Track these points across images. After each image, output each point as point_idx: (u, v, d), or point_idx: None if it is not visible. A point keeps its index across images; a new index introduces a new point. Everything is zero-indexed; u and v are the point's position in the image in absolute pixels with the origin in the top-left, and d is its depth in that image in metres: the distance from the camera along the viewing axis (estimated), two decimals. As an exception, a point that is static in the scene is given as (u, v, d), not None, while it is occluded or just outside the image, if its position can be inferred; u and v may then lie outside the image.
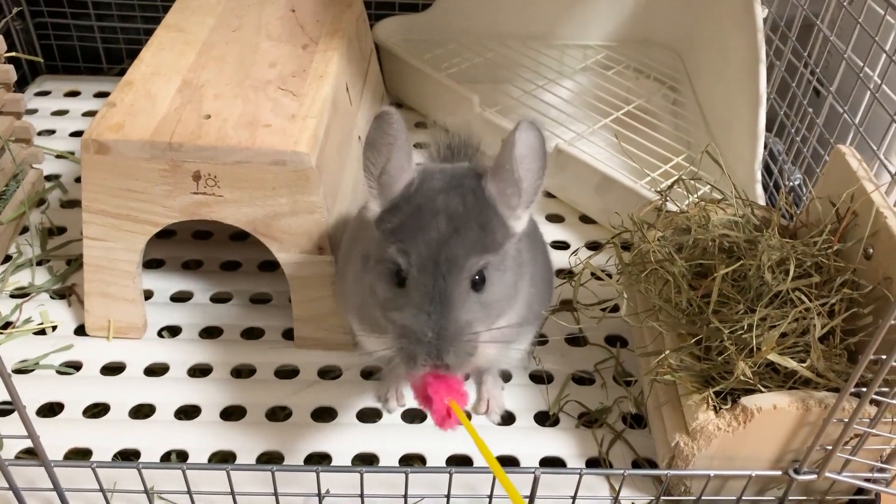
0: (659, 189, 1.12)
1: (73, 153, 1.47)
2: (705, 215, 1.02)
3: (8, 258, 1.25)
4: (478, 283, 0.76)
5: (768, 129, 1.35)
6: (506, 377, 1.11)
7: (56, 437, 1.00)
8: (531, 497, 0.85)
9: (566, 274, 1.25)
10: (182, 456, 1.00)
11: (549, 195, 1.41)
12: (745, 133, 1.33)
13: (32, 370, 1.09)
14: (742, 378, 0.87)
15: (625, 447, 1.02)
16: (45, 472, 0.84)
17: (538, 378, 1.11)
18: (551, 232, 1.35)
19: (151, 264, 1.25)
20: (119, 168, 1.01)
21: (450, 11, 1.68)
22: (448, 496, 0.89)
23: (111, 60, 1.74)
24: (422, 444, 1.02)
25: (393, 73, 1.61)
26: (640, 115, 1.48)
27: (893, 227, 0.89)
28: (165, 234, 1.30)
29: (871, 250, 0.92)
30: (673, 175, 1.13)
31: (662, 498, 0.94)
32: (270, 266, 1.24)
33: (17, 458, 0.98)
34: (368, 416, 1.06)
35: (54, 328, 1.15)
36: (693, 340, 0.92)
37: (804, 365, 0.86)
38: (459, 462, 1.01)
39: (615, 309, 1.09)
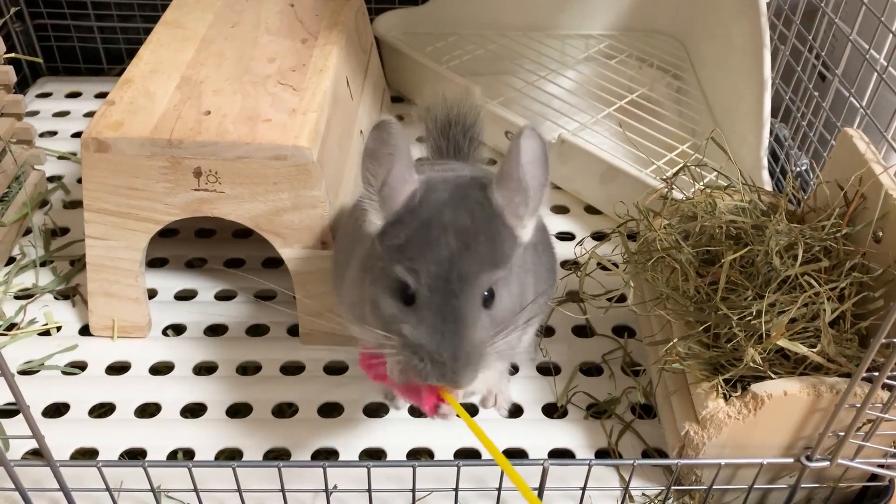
0: (664, 177, 1.11)
1: (74, 154, 1.47)
2: (711, 202, 1.01)
3: (12, 260, 1.25)
4: (488, 300, 0.73)
5: (774, 114, 1.34)
6: (513, 369, 1.10)
7: (62, 438, 0.99)
8: (540, 489, 0.84)
9: (572, 264, 1.24)
10: (188, 454, 1.00)
11: (553, 186, 1.40)
12: (751, 119, 1.31)
13: (38, 371, 1.09)
14: (752, 365, 0.86)
15: (634, 437, 1.02)
16: (52, 473, 0.84)
17: (545, 370, 1.11)
18: (556, 223, 1.34)
19: (155, 263, 1.25)
20: (119, 166, 1.00)
21: (450, 4, 1.68)
22: (456, 489, 0.89)
23: (111, 61, 1.73)
24: (429, 437, 1.02)
25: (394, 67, 1.61)
26: (643, 103, 1.47)
27: (903, 210, 0.88)
28: (168, 233, 1.29)
29: (881, 233, 0.91)
30: (678, 163, 1.12)
31: (673, 487, 0.93)
32: (274, 263, 1.24)
33: (23, 458, 0.98)
34: (375, 410, 1.05)
35: (59, 329, 1.15)
36: (701, 328, 0.91)
37: (814, 350, 0.85)
38: (467, 455, 1.00)
39: (622, 299, 1.08)
